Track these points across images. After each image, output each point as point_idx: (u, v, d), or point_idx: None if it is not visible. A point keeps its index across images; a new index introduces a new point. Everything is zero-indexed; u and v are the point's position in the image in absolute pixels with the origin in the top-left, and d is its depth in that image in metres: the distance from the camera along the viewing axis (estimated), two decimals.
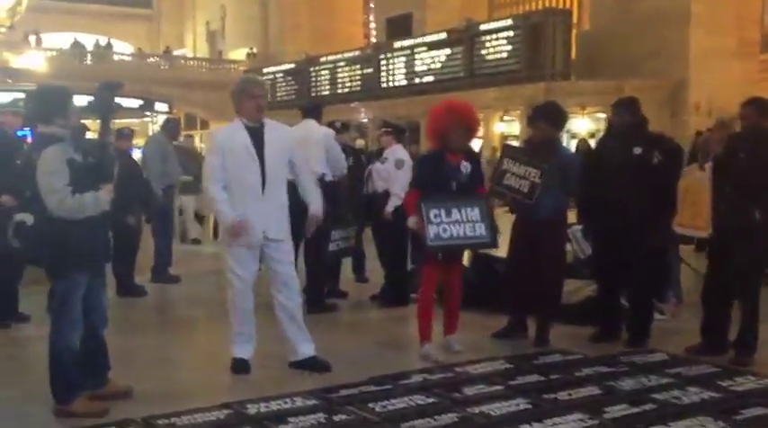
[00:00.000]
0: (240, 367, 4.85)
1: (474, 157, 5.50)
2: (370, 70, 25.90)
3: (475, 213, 5.21)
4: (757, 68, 21.40)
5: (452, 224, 5.16)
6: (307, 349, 4.92)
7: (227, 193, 4.74)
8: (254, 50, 36.22)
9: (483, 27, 22.47)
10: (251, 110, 4.81)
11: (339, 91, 27.40)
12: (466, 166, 5.24)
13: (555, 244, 5.63)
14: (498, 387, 4.46)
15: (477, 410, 4.06)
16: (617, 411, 4.06)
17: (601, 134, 14.18)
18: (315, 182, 5.50)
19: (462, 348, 5.32)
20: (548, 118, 5.69)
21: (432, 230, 5.12)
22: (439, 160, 5.26)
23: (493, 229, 5.28)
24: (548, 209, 5.47)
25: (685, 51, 19.91)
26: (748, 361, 5.05)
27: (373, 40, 30.90)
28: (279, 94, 29.98)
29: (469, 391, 4.39)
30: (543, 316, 5.65)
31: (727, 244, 5.11)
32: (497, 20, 23.76)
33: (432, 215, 5.13)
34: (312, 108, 7.18)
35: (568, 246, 6.93)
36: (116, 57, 35.75)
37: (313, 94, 27.47)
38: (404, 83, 24.68)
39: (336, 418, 3.98)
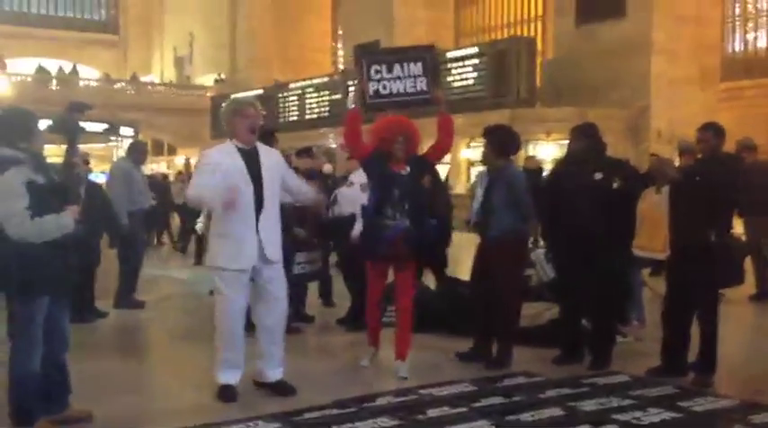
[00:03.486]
0: (227, 394, 4.71)
1: (417, 161, 5.43)
2: (338, 96, 26.05)
3: (418, 67, 5.14)
4: (717, 97, 21.94)
5: (393, 80, 5.12)
6: (276, 373, 4.84)
7: (218, 216, 4.69)
8: (223, 76, 36.24)
9: (449, 55, 22.74)
10: (244, 131, 4.70)
11: (307, 116, 27.50)
12: (406, 169, 5.30)
13: (503, 263, 5.54)
14: (462, 409, 4.47)
15: None
16: None
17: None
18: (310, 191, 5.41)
19: (407, 375, 5.28)
20: (491, 144, 5.72)
21: (371, 87, 5.07)
22: (383, 162, 5.28)
23: (435, 84, 5.27)
24: (495, 228, 5.55)
25: (647, 80, 20.35)
26: (709, 381, 5.13)
27: (341, 67, 31.12)
28: None
29: (433, 413, 4.40)
30: (498, 337, 5.70)
31: (685, 265, 5.21)
32: (463, 48, 24.09)
33: (373, 71, 5.10)
34: (263, 134, 7.21)
35: (532, 270, 7.03)
36: (82, 83, 35.53)
37: (281, 120, 27.53)
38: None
39: None
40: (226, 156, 4.71)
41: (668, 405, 4.62)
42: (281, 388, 4.81)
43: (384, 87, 5.11)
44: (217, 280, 4.78)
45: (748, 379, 5.51)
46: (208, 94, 34.32)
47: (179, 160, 31.27)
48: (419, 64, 5.13)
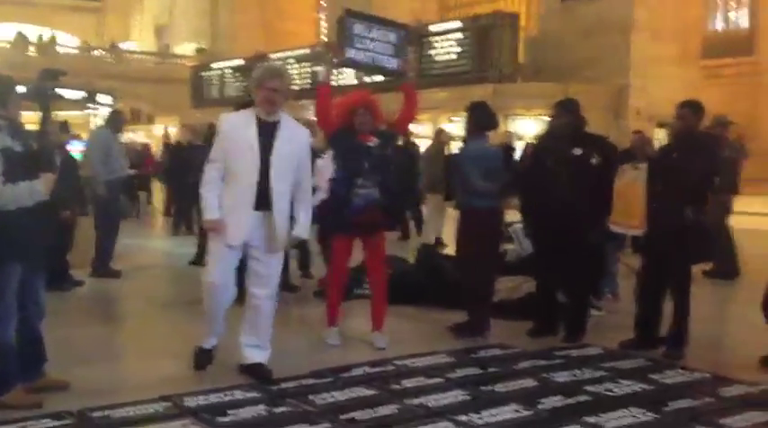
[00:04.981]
0: (203, 357, 4.68)
1: (383, 133, 5.47)
2: (320, 68, 25.85)
3: (393, 36, 5.50)
4: (698, 75, 22.02)
5: (371, 40, 5.44)
6: (258, 355, 4.65)
7: (220, 187, 4.49)
8: (204, 46, 35.87)
9: (433, 28, 22.61)
10: (261, 101, 4.49)
11: (291, 88, 27.29)
12: (374, 141, 5.32)
13: (467, 232, 5.73)
14: (437, 380, 4.53)
15: (415, 401, 4.12)
16: (551, 402, 4.17)
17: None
18: (311, 202, 4.86)
19: (386, 345, 5.33)
20: (467, 120, 5.86)
21: (350, 43, 5.37)
22: (350, 136, 5.31)
23: (403, 60, 5.60)
24: (463, 201, 5.77)
25: (628, 57, 20.38)
26: (679, 355, 5.21)
27: (324, 38, 30.87)
28: (227, 91, 29.79)
29: (409, 383, 4.45)
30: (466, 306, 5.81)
31: (661, 241, 5.27)
32: (447, 21, 23.96)
33: (355, 28, 5.41)
34: (243, 104, 7.19)
35: (510, 244, 7.09)
36: (60, 50, 35.03)
37: None
38: (354, 81, 24.71)
39: (277, 410, 3.99)
40: (240, 123, 4.53)
41: (640, 377, 4.70)
42: (258, 372, 4.59)
43: (362, 43, 5.40)
44: (208, 252, 4.70)
45: (717, 354, 5.62)
46: (188, 64, 33.96)
47: (157, 129, 30.98)
48: (394, 35, 5.49)
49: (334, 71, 5.98)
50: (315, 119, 5.73)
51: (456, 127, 22.34)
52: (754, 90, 26.55)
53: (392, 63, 5.58)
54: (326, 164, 7.13)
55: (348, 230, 5.35)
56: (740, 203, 8.90)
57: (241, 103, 7.10)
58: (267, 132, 4.46)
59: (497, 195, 5.76)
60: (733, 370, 4.92)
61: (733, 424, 3.90)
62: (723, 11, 28.71)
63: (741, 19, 28.36)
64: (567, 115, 5.74)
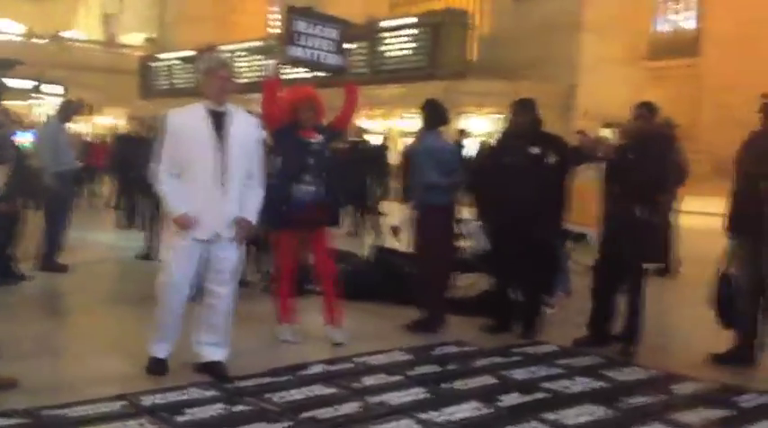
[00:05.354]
0: (157, 367, 4.54)
1: (327, 131, 5.47)
2: (271, 61, 25.62)
3: (333, 33, 5.66)
4: (643, 76, 22.48)
5: (313, 37, 5.62)
6: (217, 354, 4.56)
7: (178, 183, 4.37)
8: (153, 36, 35.24)
9: (384, 24, 22.63)
10: (215, 92, 4.41)
11: (239, 80, 26.99)
12: (318, 137, 5.31)
13: (424, 229, 5.86)
14: (397, 377, 4.53)
15: (376, 399, 4.12)
16: (510, 399, 4.21)
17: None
18: (262, 191, 4.72)
19: (344, 340, 5.32)
20: (422, 114, 5.99)
21: (295, 39, 5.53)
22: (294, 132, 5.29)
23: (344, 56, 5.78)
24: (416, 197, 5.96)
25: (577, 57, 20.69)
26: (632, 352, 5.30)
27: (275, 31, 30.60)
28: (176, 82, 29.34)
29: (368, 381, 4.44)
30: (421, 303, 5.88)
31: (615, 240, 5.35)
32: (399, 17, 23.98)
33: (298, 25, 5.55)
34: None
35: (466, 242, 7.13)
36: (2, 38, 34.03)
37: None
38: (306, 75, 24.53)
39: (235, 409, 3.94)
40: (191, 118, 4.42)
41: (595, 374, 4.78)
42: (216, 370, 4.50)
43: (305, 40, 5.57)
44: (165, 249, 4.59)
45: (668, 351, 5.73)
46: (137, 54, 33.34)
47: (103, 120, 30.34)
48: (335, 31, 5.69)
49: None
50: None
51: (408, 124, 22.50)
52: (698, 92, 27.23)
53: (335, 59, 5.67)
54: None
55: (292, 226, 5.30)
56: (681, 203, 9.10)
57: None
58: (219, 123, 4.42)
59: (453, 191, 5.81)
60: (684, 367, 5.03)
61: (686, 421, 3.99)
62: (669, 13, 29.32)
63: (687, 21, 29.00)
64: (525, 114, 5.80)
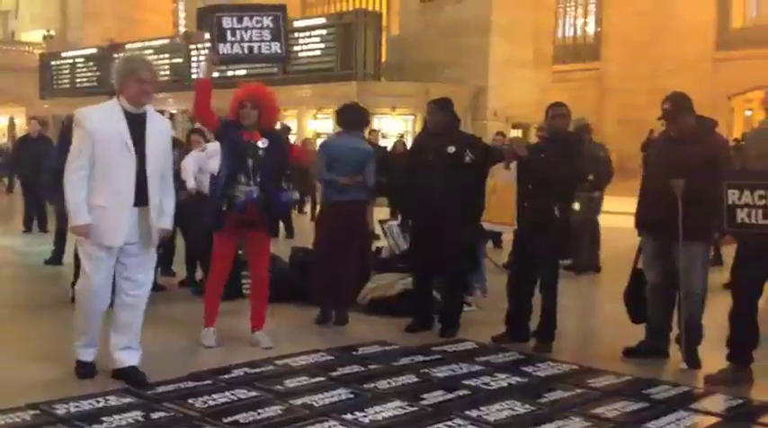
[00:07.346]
0: (87, 371, 4.43)
1: (274, 135, 5.40)
2: (179, 60, 25.09)
3: (269, 20, 5.35)
4: (550, 79, 23.13)
5: (245, 30, 5.28)
6: (130, 357, 4.45)
7: (91, 186, 4.20)
8: (52, 33, 33.95)
9: (296, 24, 22.46)
10: (136, 94, 4.27)
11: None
12: (264, 141, 5.21)
13: (322, 224, 6.10)
14: (320, 379, 4.49)
15: (299, 402, 4.07)
16: (434, 397, 4.23)
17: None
18: (173, 193, 4.67)
19: (272, 344, 5.24)
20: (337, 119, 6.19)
21: (224, 37, 5.23)
22: (235, 131, 5.19)
23: (285, 44, 5.52)
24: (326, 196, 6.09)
25: (485, 60, 21.10)
26: (548, 348, 5.42)
27: (183, 29, 29.98)
28: (79, 80, 28.39)
29: (291, 383, 4.39)
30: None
31: (530, 238, 5.46)
32: (310, 17, 23.88)
33: (224, 22, 5.21)
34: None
35: (384, 242, 7.16)
36: None
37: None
38: (216, 74, 24.10)
39: (155, 416, 3.83)
40: (107, 118, 4.26)
41: (514, 370, 4.86)
42: (133, 376, 4.38)
43: (235, 36, 5.23)
44: (82, 254, 4.41)
45: (583, 346, 5.90)
46: (36, 51, 32.07)
47: (2, 120, 29.12)
48: (269, 18, 5.34)
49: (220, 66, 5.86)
50: (175, 112, 5.59)
51: (321, 124, 22.44)
52: (600, 94, 28.25)
53: (274, 47, 5.42)
54: (196, 160, 7.01)
55: (227, 226, 5.20)
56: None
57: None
58: (137, 126, 4.29)
59: (359, 190, 5.88)
60: (600, 361, 5.16)
61: (605, 413, 4.08)
62: (572, 18, 30.27)
63: (589, 26, 30.03)
64: (442, 113, 5.85)
